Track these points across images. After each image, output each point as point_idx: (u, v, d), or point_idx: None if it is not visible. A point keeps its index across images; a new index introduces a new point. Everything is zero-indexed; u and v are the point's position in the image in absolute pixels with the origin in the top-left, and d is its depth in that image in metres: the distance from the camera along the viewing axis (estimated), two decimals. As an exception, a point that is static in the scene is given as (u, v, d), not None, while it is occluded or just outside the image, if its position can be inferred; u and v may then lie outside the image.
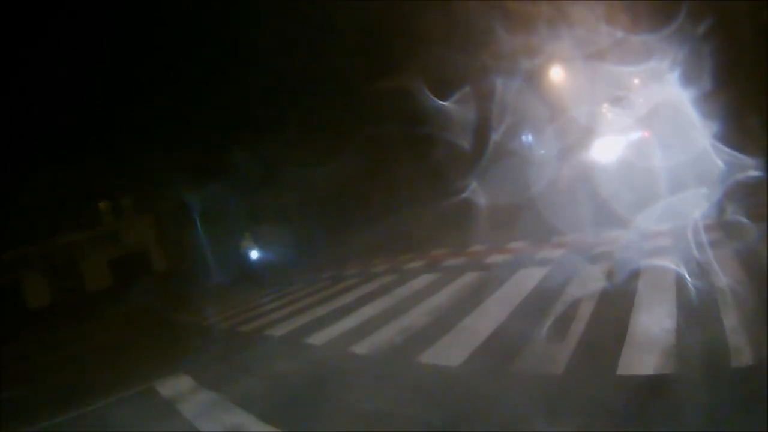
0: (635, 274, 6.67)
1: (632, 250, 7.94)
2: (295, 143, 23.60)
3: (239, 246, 18.96)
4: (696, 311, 5.14)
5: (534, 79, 26.35)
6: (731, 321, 4.67)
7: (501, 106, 23.24)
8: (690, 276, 6.03)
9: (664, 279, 6.27)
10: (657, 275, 6.51)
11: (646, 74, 23.08)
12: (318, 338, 8.29)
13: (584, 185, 14.54)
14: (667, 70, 18.18)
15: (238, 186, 24.37)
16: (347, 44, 25.33)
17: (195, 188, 25.58)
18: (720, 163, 10.89)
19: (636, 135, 23.69)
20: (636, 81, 25.77)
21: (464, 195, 18.15)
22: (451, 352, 5.89)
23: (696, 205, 8.86)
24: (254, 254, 18.75)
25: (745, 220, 7.63)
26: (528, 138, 29.64)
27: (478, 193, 17.91)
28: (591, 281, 6.97)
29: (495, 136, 22.95)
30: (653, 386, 4.05)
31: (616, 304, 5.90)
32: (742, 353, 4.10)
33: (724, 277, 5.72)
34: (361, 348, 7.05)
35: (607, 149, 22.36)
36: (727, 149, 11.51)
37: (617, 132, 24.13)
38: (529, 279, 8.04)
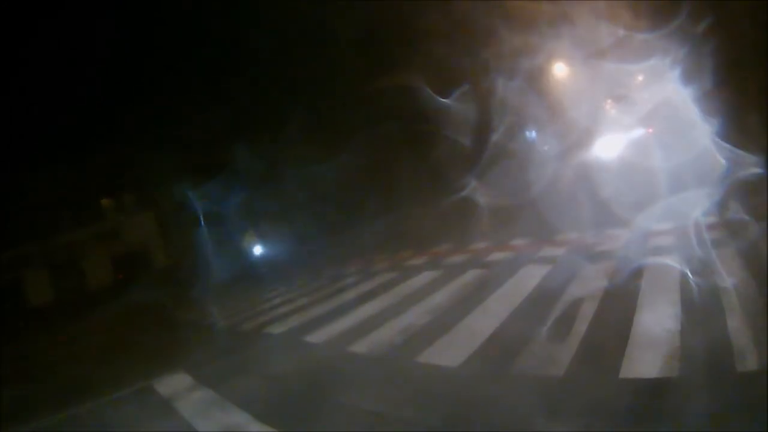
0: (638, 274, 6.62)
1: (635, 248, 7.91)
2: (295, 141, 23.54)
3: (240, 244, 18.93)
4: (700, 312, 5.07)
5: (535, 77, 26.26)
6: (735, 322, 4.60)
7: (502, 105, 23.19)
8: (693, 276, 5.97)
9: (667, 279, 6.20)
10: (660, 275, 6.45)
11: (648, 72, 23.00)
12: (317, 337, 8.23)
13: (586, 183, 14.48)
14: (669, 68, 18.11)
15: (239, 184, 24.34)
16: (347, 43, 25.29)
17: (196, 186, 25.57)
18: (722, 161, 10.84)
19: (638, 133, 23.62)
20: (638, 79, 25.66)
21: (465, 192, 18.09)
22: (450, 352, 5.82)
23: (698, 204, 8.81)
24: (255, 252, 18.72)
25: (748, 218, 7.58)
26: (530, 135, 29.60)
27: (479, 190, 17.86)
28: (593, 280, 6.91)
29: (496, 134, 22.92)
30: (656, 389, 3.97)
31: (619, 304, 5.83)
32: (747, 356, 4.03)
33: (728, 277, 5.67)
34: (360, 347, 6.98)
35: (609, 147, 22.31)
36: (728, 147, 11.45)
37: (619, 130, 24.07)
38: (530, 277, 7.98)
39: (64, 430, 7.14)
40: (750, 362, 3.93)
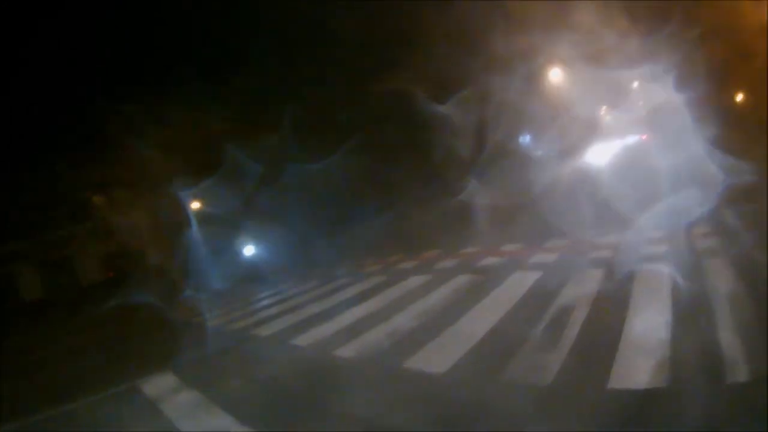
0: (630, 281, 6.57)
1: (628, 255, 7.86)
2: (287, 143, 23.49)
3: (231, 244, 18.82)
4: (692, 321, 5.00)
5: (532, 82, 26.26)
6: (728, 332, 4.54)
7: (498, 108, 23.16)
8: (686, 284, 5.92)
9: (660, 286, 6.15)
10: (652, 282, 6.40)
11: (645, 77, 23.01)
12: (304, 339, 8.15)
13: (581, 188, 14.45)
14: (666, 73, 18.13)
15: (232, 184, 24.23)
16: (346, 43, 25.24)
17: (191, 185, 25.44)
18: (717, 168, 10.83)
19: (634, 138, 23.65)
20: (635, 84, 25.70)
21: (460, 196, 18.06)
22: (438, 357, 5.73)
23: (692, 211, 8.79)
24: (246, 253, 18.62)
25: (741, 226, 7.54)
26: (526, 139, 29.58)
27: (473, 194, 17.83)
28: (585, 287, 6.86)
29: (492, 138, 22.90)
30: (645, 400, 3.90)
31: (610, 311, 5.77)
32: (739, 367, 3.97)
33: (721, 286, 5.64)
34: (347, 351, 6.90)
35: (605, 152, 22.31)
36: (723, 154, 11.44)
37: (615, 135, 24.10)
38: (521, 283, 7.93)
39: (47, 429, 7.04)
40: (742, 375, 3.86)
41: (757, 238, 6.76)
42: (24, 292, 31.76)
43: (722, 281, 5.80)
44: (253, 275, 17.87)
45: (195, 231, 26.06)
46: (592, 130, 23.67)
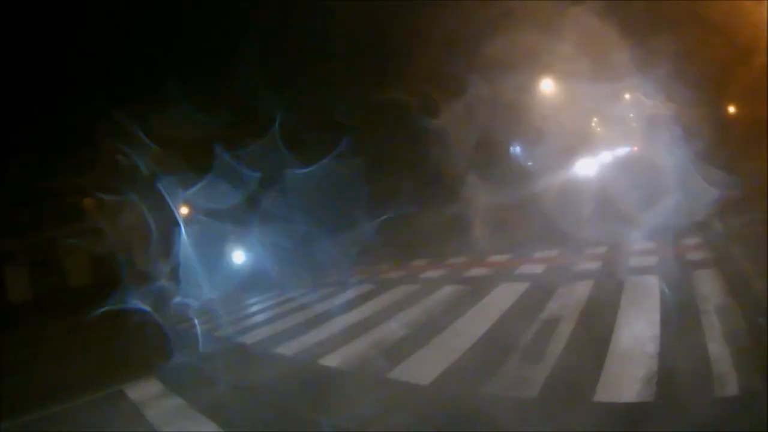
0: (618, 293, 6.53)
1: (616, 267, 7.84)
2: (279, 148, 23.42)
3: (223, 250, 18.72)
4: (680, 334, 4.96)
5: (523, 93, 26.35)
6: (716, 345, 4.49)
7: (489, 119, 23.20)
8: (674, 296, 5.87)
9: (648, 299, 6.12)
10: (640, 295, 6.37)
11: (637, 89, 23.14)
12: (289, 348, 8.08)
13: (571, 199, 14.47)
14: (656, 85, 18.21)
15: (223, 189, 24.12)
16: (339, 51, 25.28)
17: (182, 189, 25.30)
18: (706, 182, 10.86)
19: (624, 150, 23.74)
20: (626, 96, 25.83)
21: (449, 205, 18.05)
22: (422, 369, 5.66)
23: (681, 223, 8.78)
24: (237, 259, 18.53)
25: (730, 239, 7.53)
26: (516, 150, 29.63)
27: (462, 203, 17.81)
28: (572, 299, 6.81)
29: (483, 148, 22.92)
30: (631, 415, 3.85)
31: (597, 324, 5.72)
32: (727, 381, 3.91)
33: (709, 297, 5.62)
34: (331, 360, 6.83)
35: (596, 163, 22.38)
36: (712, 168, 11.47)
37: (606, 147, 24.18)
38: (508, 294, 7.87)
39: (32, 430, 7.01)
40: (730, 390, 3.80)
41: (744, 250, 6.74)
42: (11, 293, 31.50)
43: (710, 293, 5.77)
44: (241, 282, 17.75)
45: (185, 236, 25.92)
46: (583, 142, 23.74)
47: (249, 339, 9.57)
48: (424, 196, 21.72)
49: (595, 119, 27.35)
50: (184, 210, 26.13)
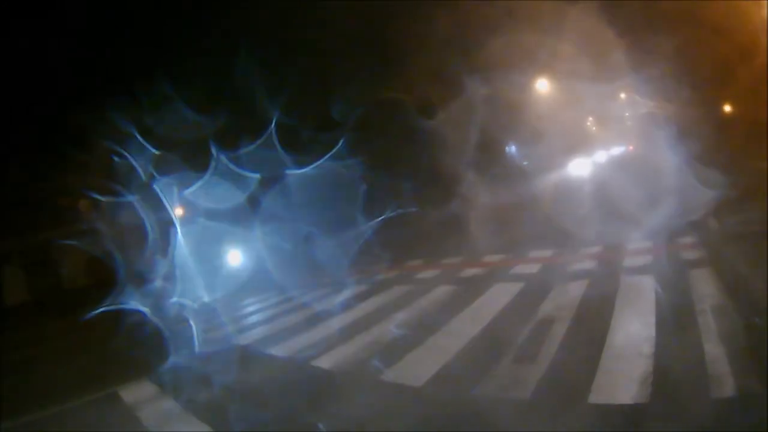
0: (613, 294, 6.49)
1: (611, 267, 7.81)
2: (275, 149, 23.36)
3: (219, 251, 18.66)
4: (675, 334, 4.91)
5: (518, 93, 26.33)
6: (712, 346, 4.45)
7: (484, 119, 23.17)
8: (670, 296, 5.83)
9: (643, 299, 6.09)
10: (635, 295, 6.34)
11: (633, 89, 23.13)
12: (282, 349, 8.03)
13: (566, 199, 14.44)
14: (654, 85, 18.20)
15: (220, 191, 24.06)
16: (338, 50, 25.25)
17: (179, 190, 25.23)
18: (701, 181, 10.84)
19: (620, 149, 23.73)
20: (622, 95, 25.82)
21: (443, 205, 18.01)
22: (415, 370, 5.61)
23: (677, 223, 8.75)
24: (233, 260, 18.50)
25: (726, 238, 7.49)
26: (511, 150, 29.61)
27: (457, 203, 17.77)
28: (566, 299, 6.78)
29: (478, 148, 22.87)
30: (626, 416, 3.79)
31: (592, 324, 5.68)
32: (723, 382, 3.86)
33: (705, 298, 5.57)
34: (324, 362, 6.78)
35: (591, 163, 22.37)
36: (708, 167, 11.45)
37: (602, 146, 24.16)
38: (502, 295, 7.83)
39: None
40: (727, 391, 3.75)
41: (741, 249, 6.70)
42: (8, 294, 31.43)
43: (706, 292, 5.74)
44: (237, 283, 17.70)
45: (182, 237, 25.86)
46: (578, 141, 23.73)
47: (243, 340, 9.53)
48: (420, 197, 21.65)
49: (590, 119, 27.32)
50: (181, 211, 26.08)
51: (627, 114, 25.35)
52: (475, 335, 6.27)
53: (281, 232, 21.80)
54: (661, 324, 5.21)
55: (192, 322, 13.04)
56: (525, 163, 27.68)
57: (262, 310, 12.21)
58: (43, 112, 29.54)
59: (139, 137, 25.37)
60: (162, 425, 5.90)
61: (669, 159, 13.86)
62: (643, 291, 6.32)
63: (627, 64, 19.13)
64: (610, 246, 9.05)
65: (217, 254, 18.93)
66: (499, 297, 7.76)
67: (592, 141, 25.57)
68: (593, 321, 5.75)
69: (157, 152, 24.73)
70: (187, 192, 24.36)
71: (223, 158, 23.78)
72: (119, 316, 16.50)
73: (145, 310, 16.12)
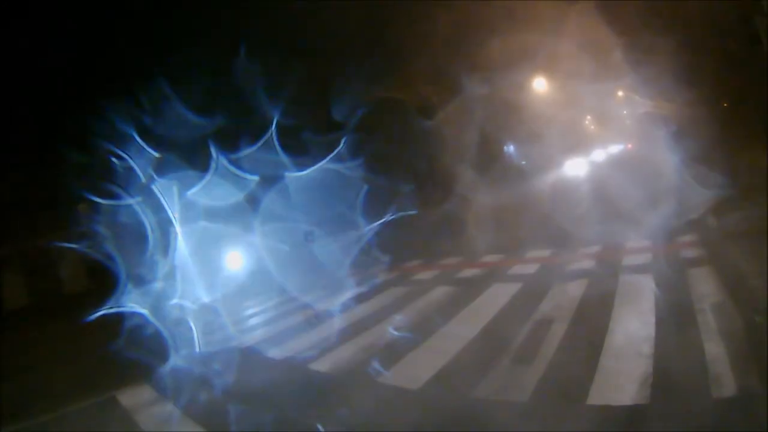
0: (611, 293, 6.47)
1: (610, 267, 7.78)
2: (278, 148, 23.35)
3: (219, 253, 18.63)
4: (675, 334, 4.89)
5: (516, 92, 26.31)
6: (712, 345, 4.43)
7: (483, 119, 23.15)
8: (669, 295, 5.80)
9: (642, 299, 6.07)
10: (634, 294, 6.32)
11: (630, 88, 23.10)
12: (279, 352, 8.00)
13: (564, 197, 14.42)
14: (652, 83, 18.17)
15: (220, 191, 24.04)
16: (337, 50, 25.23)
17: (179, 192, 25.20)
18: (700, 179, 10.82)
19: (618, 148, 23.69)
20: (620, 94, 25.79)
21: (441, 206, 18.00)
22: (413, 373, 5.60)
23: (675, 221, 8.72)
24: (232, 262, 18.46)
25: (725, 237, 7.47)
26: (510, 149, 29.58)
27: (455, 204, 17.76)
28: (564, 300, 6.76)
29: (477, 148, 22.87)
30: (626, 418, 3.77)
31: (591, 325, 5.66)
32: (724, 381, 3.85)
33: (705, 297, 5.55)
34: (321, 365, 6.75)
35: (589, 162, 22.34)
36: (706, 165, 11.43)
37: (600, 144, 24.13)
38: (500, 295, 7.81)
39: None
40: (727, 391, 3.73)
41: (740, 247, 6.68)
42: (7, 298, 31.40)
43: (706, 291, 5.72)
44: (237, 284, 17.68)
45: (181, 239, 25.84)
46: (576, 140, 23.71)
47: (242, 342, 9.50)
48: (419, 197, 21.64)
49: (589, 118, 27.28)
50: (180, 212, 26.04)
51: (625, 113, 25.33)
52: (474, 336, 6.25)
53: (281, 233, 21.79)
54: (660, 323, 5.19)
55: (192, 324, 13.04)
56: (523, 162, 27.67)
57: (262, 312, 12.19)
58: (42, 114, 29.48)
59: (139, 139, 25.38)
60: (161, 428, 5.88)
61: (667, 158, 13.84)
62: (643, 290, 6.30)
63: (625, 63, 19.11)
64: (609, 245, 9.03)
65: (217, 256, 18.88)
66: (497, 298, 7.74)
67: (591, 140, 25.57)
68: (592, 321, 5.73)
69: (157, 154, 24.74)
70: (188, 193, 24.35)
71: (223, 160, 23.77)
72: (119, 318, 16.50)
73: (145, 312, 16.12)
